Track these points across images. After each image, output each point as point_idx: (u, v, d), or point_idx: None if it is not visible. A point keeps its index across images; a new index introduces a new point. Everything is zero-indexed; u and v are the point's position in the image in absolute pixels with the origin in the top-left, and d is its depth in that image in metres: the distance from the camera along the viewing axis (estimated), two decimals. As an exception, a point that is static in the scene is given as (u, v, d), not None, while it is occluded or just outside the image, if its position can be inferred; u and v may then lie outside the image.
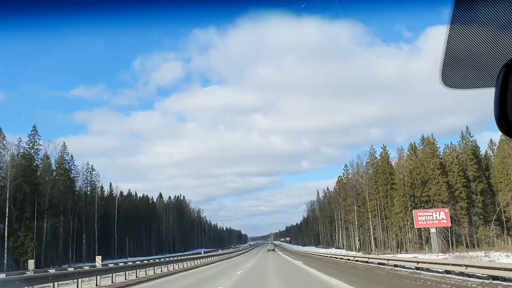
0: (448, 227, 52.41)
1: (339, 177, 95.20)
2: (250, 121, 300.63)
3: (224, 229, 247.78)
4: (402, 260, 24.05)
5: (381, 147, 72.52)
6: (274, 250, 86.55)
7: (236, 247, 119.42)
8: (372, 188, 69.61)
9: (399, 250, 63.48)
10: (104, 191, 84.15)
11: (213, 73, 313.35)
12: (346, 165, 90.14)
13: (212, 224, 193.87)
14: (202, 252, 64.29)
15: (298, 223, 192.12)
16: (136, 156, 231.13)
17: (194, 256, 43.47)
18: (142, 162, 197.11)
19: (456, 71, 1.57)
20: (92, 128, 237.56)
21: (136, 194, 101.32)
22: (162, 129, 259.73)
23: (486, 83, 1.56)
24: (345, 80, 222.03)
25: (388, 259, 26.33)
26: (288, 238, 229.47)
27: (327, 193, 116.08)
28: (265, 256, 57.22)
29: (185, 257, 41.32)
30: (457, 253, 43.32)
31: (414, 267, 20.58)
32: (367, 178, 72.64)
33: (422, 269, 19.59)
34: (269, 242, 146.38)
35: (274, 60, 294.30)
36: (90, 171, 73.42)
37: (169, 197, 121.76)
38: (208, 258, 48.75)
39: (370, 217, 70.43)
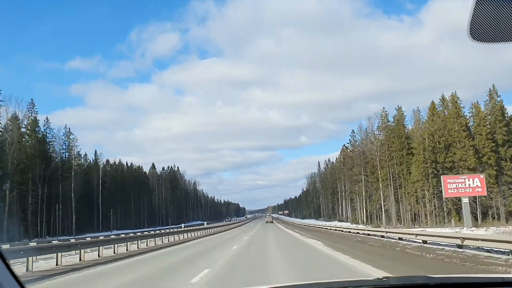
0: (476, 196, 45.21)
1: (344, 145, 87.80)
2: (249, 96, 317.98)
3: (222, 202, 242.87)
4: (437, 236, 16.78)
5: (396, 108, 64.47)
6: (272, 222, 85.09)
7: (230, 221, 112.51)
8: (384, 154, 62.15)
9: (414, 223, 56.64)
10: (88, 159, 76.57)
11: (211, 44, 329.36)
12: (353, 131, 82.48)
13: (209, 197, 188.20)
14: (183, 226, 57.03)
15: (297, 196, 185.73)
16: (133, 129, 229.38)
17: (178, 230, 36.27)
18: (139, 136, 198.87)
19: (485, 24, 1.51)
20: (89, 101, 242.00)
21: (127, 164, 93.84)
22: (159, 103, 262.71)
23: None
24: (345, 53, 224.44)
25: (416, 234, 19.01)
26: (286, 211, 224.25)
27: (329, 164, 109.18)
28: (264, 229, 50.35)
29: (171, 230, 34.08)
30: (495, 228, 36.20)
31: (455, 244, 14.61)
32: (378, 144, 65.02)
33: (467, 247, 13.82)
34: (267, 215, 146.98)
35: (273, 32, 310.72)
36: (67, 135, 65.47)
37: (163, 168, 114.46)
38: (199, 232, 41.74)
39: (381, 186, 63.26)
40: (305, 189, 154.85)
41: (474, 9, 1.46)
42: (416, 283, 1.93)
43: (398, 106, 65.22)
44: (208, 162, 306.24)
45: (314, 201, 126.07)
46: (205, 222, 79.23)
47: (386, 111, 66.83)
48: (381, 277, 2.02)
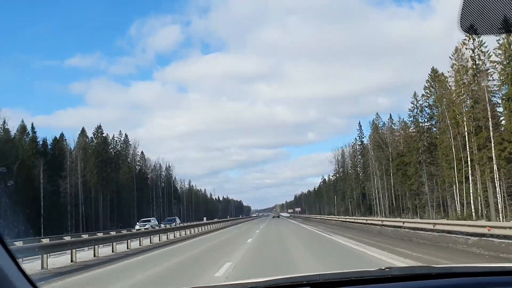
0: None
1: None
2: (254, 91, 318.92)
3: (220, 199, 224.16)
4: None
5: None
6: (278, 217, 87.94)
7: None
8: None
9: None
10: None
11: (213, 37, 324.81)
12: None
13: (200, 190, 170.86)
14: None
15: (316, 188, 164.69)
16: (137, 128, 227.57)
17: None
18: (143, 135, 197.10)
19: (475, 16, 1.61)
20: (91, 100, 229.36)
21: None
22: (162, 100, 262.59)
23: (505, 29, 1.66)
24: (353, 44, 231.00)
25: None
26: (298, 209, 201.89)
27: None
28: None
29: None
30: None
31: None
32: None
33: None
34: (274, 210, 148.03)
35: (278, 22, 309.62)
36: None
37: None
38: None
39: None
40: (327, 179, 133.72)
41: (464, 2, 1.54)
42: (418, 273, 2.00)
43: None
44: (214, 161, 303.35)
45: (350, 190, 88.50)
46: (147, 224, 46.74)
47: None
48: (383, 268, 2.05)
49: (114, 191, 71.22)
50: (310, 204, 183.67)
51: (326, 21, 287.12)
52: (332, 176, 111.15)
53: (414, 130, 54.19)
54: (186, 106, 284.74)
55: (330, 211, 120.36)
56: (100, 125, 71.70)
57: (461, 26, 1.61)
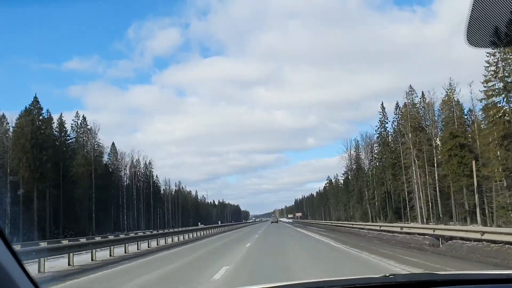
0: None
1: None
2: (253, 95, 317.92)
3: (216, 203, 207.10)
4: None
5: None
6: (277, 222, 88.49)
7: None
8: None
9: None
10: None
11: (213, 41, 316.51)
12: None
13: (192, 194, 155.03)
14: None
15: (320, 191, 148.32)
16: (135, 133, 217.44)
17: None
18: (141, 139, 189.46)
19: (482, 29, 1.59)
20: (88, 104, 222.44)
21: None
22: (161, 105, 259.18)
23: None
24: (354, 49, 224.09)
25: None
26: (299, 214, 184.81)
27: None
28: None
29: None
30: None
31: None
32: None
33: None
34: (273, 215, 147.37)
35: (278, 26, 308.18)
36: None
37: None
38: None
39: None
40: (335, 179, 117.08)
41: (471, 15, 1.50)
42: (422, 280, 1.99)
43: None
44: (212, 166, 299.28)
45: (370, 189, 71.02)
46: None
47: None
48: (387, 275, 2.03)
49: (60, 187, 53.98)
50: (313, 209, 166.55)
51: (326, 26, 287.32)
52: (343, 174, 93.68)
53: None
54: (184, 110, 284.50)
55: (339, 216, 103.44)
56: (36, 97, 53.58)
57: (467, 40, 1.57)
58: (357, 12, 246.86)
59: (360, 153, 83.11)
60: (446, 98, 45.55)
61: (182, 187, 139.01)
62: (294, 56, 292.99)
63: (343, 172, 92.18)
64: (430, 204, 45.36)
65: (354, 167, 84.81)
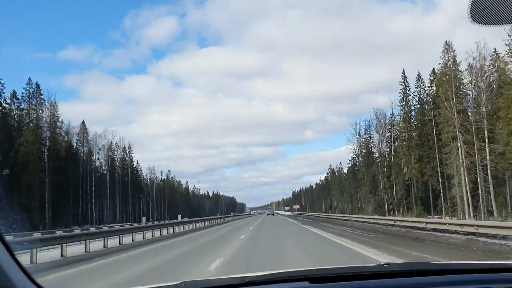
0: None
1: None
2: (251, 87, 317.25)
3: (211, 195, 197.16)
4: None
5: None
6: (273, 214, 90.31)
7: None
8: None
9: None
10: None
11: (210, 30, 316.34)
12: None
13: (182, 184, 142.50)
14: None
15: (321, 181, 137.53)
16: (131, 124, 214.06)
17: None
18: (137, 131, 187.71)
19: (485, 6, 1.59)
20: (84, 94, 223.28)
21: None
22: (157, 95, 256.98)
23: None
24: (354, 40, 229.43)
25: None
26: (296, 206, 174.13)
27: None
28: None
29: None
30: None
31: None
32: None
33: None
34: (269, 208, 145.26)
35: (277, 16, 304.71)
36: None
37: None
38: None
39: None
40: (338, 169, 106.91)
41: None
42: (417, 269, 2.00)
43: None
44: (210, 159, 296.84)
45: (384, 175, 59.22)
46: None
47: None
48: (382, 263, 2.05)
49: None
50: (313, 201, 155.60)
51: (326, 16, 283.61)
52: (350, 161, 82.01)
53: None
54: (181, 102, 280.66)
55: (343, 208, 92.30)
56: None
57: (471, 17, 1.57)
58: (357, 3, 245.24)
59: (372, 136, 71.95)
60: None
61: (172, 177, 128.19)
62: (293, 47, 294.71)
63: (349, 159, 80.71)
64: (479, 194, 34.04)
65: (364, 151, 73.67)
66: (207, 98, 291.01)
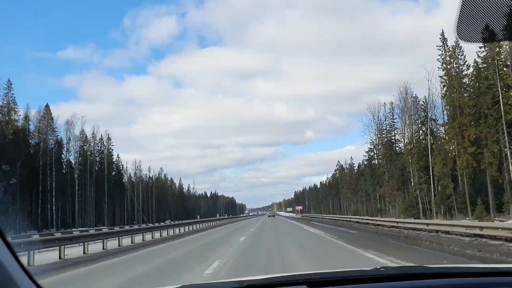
0: None
1: None
2: (252, 87, 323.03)
3: (209, 195, 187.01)
4: None
5: None
6: (274, 216, 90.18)
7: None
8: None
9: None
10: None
11: (210, 30, 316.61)
12: None
13: (175, 183, 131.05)
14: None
15: (328, 179, 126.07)
16: (131, 125, 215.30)
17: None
18: (138, 132, 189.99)
19: (472, 24, 1.60)
20: (84, 94, 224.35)
21: None
22: (157, 96, 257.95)
23: (504, 37, 1.64)
24: (355, 40, 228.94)
25: None
26: (299, 207, 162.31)
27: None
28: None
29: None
30: None
31: None
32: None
33: None
34: (270, 209, 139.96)
35: (278, 15, 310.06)
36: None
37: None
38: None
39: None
40: (348, 164, 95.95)
41: (461, 9, 1.53)
42: (413, 273, 2.01)
43: None
44: (210, 159, 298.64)
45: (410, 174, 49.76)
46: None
47: None
48: (379, 267, 2.04)
49: None
50: (318, 201, 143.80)
51: (326, 17, 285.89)
52: (366, 153, 69.77)
53: None
54: (181, 102, 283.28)
55: (356, 209, 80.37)
56: None
57: (458, 34, 1.58)
58: (358, 2, 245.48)
59: (394, 122, 59.84)
60: None
61: (165, 175, 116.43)
62: (294, 48, 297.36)
63: (366, 150, 68.55)
64: None
65: (385, 140, 61.63)
66: (207, 98, 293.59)
